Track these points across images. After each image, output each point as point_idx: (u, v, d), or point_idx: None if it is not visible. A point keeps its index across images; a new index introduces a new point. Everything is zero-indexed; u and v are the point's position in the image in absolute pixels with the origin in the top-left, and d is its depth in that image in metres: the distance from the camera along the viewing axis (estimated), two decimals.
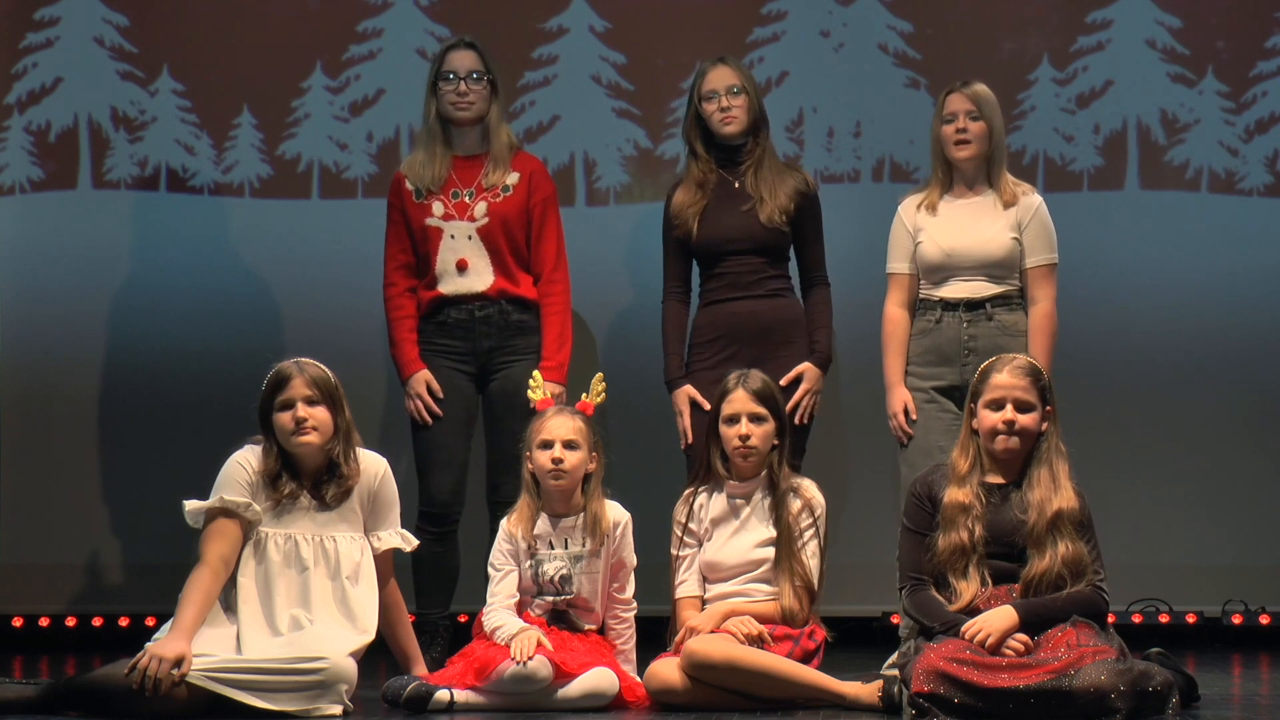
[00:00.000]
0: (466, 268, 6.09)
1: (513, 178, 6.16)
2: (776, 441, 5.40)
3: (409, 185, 6.16)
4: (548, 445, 5.30)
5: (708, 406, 5.92)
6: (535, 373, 5.59)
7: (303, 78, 7.17)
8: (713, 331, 6.05)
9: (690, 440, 5.99)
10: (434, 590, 6.08)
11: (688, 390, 6.03)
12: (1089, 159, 7.13)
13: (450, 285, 6.11)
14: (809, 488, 5.42)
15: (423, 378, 6.08)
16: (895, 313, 5.99)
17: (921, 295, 5.98)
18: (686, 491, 5.48)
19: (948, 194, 6.00)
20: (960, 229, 5.94)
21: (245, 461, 5.14)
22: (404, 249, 6.17)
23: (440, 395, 6.07)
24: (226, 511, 5.08)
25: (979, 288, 5.93)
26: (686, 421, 6.02)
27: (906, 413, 5.90)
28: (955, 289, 5.94)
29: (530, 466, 5.36)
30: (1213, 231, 7.10)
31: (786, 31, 7.15)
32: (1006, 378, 5.08)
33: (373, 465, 5.24)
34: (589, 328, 7.02)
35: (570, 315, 6.16)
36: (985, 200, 5.98)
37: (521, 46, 7.11)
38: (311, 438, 5.11)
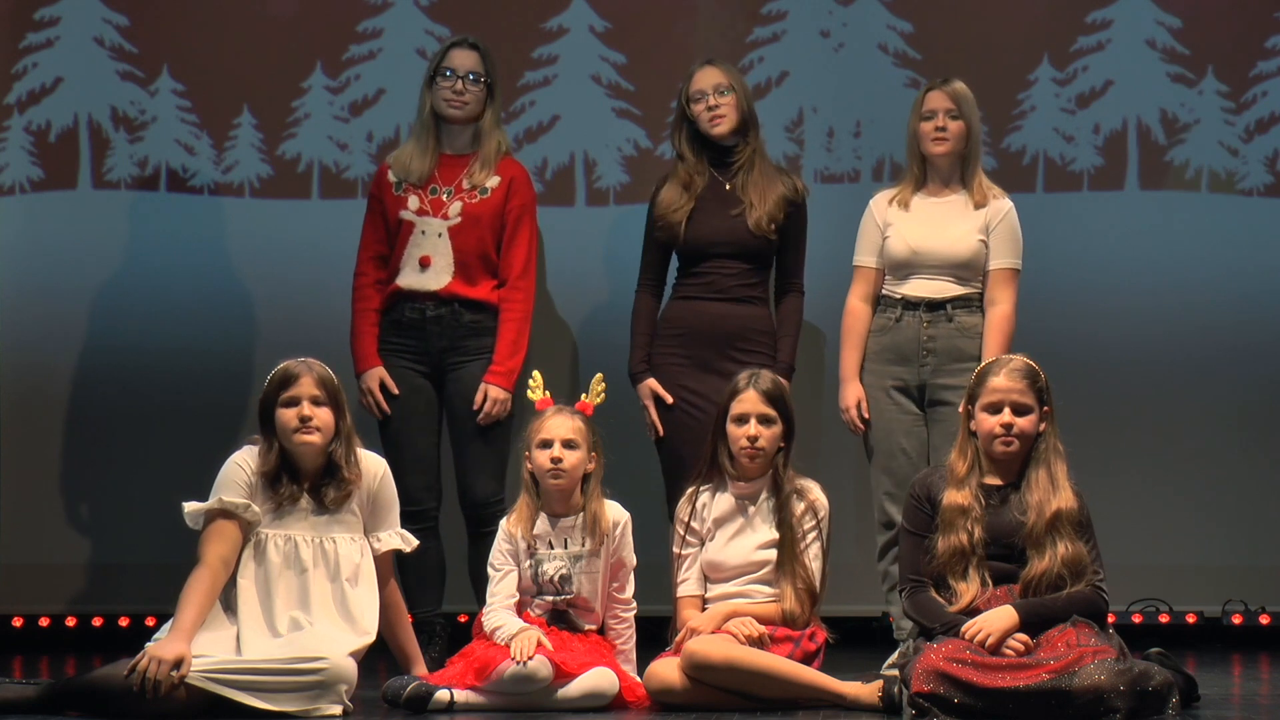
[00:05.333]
0: (429, 265, 6.09)
1: (493, 181, 6.15)
2: (783, 443, 5.39)
3: (391, 177, 6.17)
4: (547, 444, 5.30)
5: (670, 400, 5.96)
6: (535, 372, 5.58)
7: (303, 78, 7.17)
8: (680, 327, 6.08)
9: (661, 433, 6.01)
10: (423, 588, 6.07)
11: (651, 384, 6.07)
12: (1089, 159, 7.13)
13: (408, 280, 6.10)
14: (814, 489, 5.42)
15: (377, 374, 6.08)
16: (857, 306, 6.03)
17: (884, 291, 6.01)
18: (689, 490, 5.48)
19: (920, 191, 6.04)
20: (929, 227, 5.96)
21: (244, 463, 5.14)
22: (379, 239, 6.16)
23: (394, 393, 6.06)
24: (226, 513, 5.08)
25: (942, 288, 5.95)
26: (654, 414, 6.04)
27: (860, 407, 5.93)
28: (918, 287, 5.96)
29: (529, 466, 5.36)
30: (1213, 231, 7.10)
31: (786, 31, 7.15)
32: (1004, 380, 5.08)
33: (372, 466, 5.24)
34: (587, 328, 7.02)
35: (529, 324, 6.13)
36: (957, 200, 6.01)
37: (521, 46, 7.11)
38: (314, 437, 5.11)
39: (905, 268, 5.97)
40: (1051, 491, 5.03)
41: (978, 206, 5.98)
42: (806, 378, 6.21)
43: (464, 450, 6.09)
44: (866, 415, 5.96)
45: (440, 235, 6.10)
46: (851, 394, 5.99)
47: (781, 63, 7.13)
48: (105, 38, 7.18)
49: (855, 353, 6.01)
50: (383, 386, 6.07)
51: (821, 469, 6.09)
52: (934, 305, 5.95)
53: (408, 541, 5.29)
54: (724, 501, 5.42)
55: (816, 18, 7.14)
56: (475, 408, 6.02)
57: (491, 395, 6.01)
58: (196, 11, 7.18)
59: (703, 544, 5.41)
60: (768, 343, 6.09)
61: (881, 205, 6.05)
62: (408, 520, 5.85)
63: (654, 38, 7.15)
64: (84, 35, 7.18)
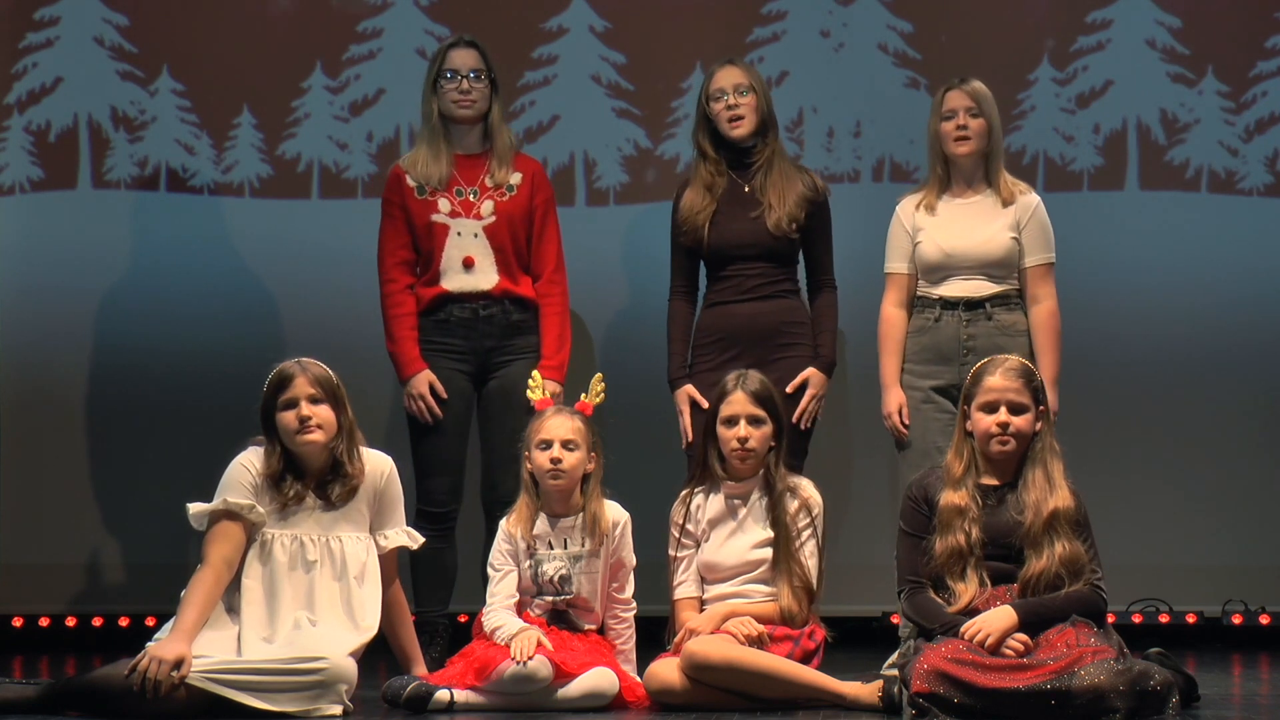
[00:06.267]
0: (473, 265, 6.09)
1: (516, 178, 6.16)
2: (774, 443, 5.39)
3: (410, 181, 6.15)
4: (546, 445, 5.30)
5: (706, 405, 5.93)
6: (535, 372, 5.59)
7: (303, 78, 7.17)
8: (716, 333, 6.05)
9: (691, 439, 5.99)
10: (433, 589, 6.07)
11: (688, 390, 6.04)
12: (1089, 159, 7.13)
13: (455, 282, 6.10)
14: (806, 487, 5.42)
15: (425, 378, 6.07)
16: (892, 313, 6.00)
17: (919, 293, 5.99)
18: (683, 492, 5.48)
19: (946, 193, 6.01)
20: (960, 229, 5.94)
21: (249, 464, 5.14)
22: (404, 245, 6.16)
23: (444, 396, 6.06)
24: (230, 514, 5.08)
25: (979, 287, 5.94)
26: (687, 421, 6.02)
27: (901, 413, 5.91)
28: (954, 288, 5.94)
29: (529, 466, 5.36)
30: (1213, 231, 7.10)
31: (786, 31, 7.15)
32: (999, 380, 5.08)
33: (379, 464, 5.23)
34: (588, 328, 7.02)
35: (569, 316, 6.16)
36: (984, 200, 5.99)
37: (521, 46, 7.11)
38: (316, 436, 5.11)
39: (939, 271, 5.94)
40: (1048, 491, 5.03)
41: (1005, 204, 5.95)
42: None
43: (496, 448, 6.07)
44: (908, 421, 5.92)
45: (476, 235, 6.11)
46: (893, 400, 5.95)
47: (781, 63, 7.13)
48: (105, 38, 7.19)
49: (894, 359, 5.97)
50: (432, 389, 6.07)
51: (830, 468, 6.09)
52: (972, 304, 5.92)
53: (414, 539, 5.29)
54: (717, 503, 5.41)
55: (816, 18, 7.14)
56: (532, 405, 6.03)
57: (548, 390, 6.01)
58: (196, 11, 7.18)
59: (698, 546, 5.41)
60: (806, 334, 6.04)
61: (909, 211, 6.02)
62: (428, 521, 5.87)
63: (654, 38, 7.15)
64: (84, 35, 7.19)
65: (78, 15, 7.18)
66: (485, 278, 6.10)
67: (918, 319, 5.98)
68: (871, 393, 6.07)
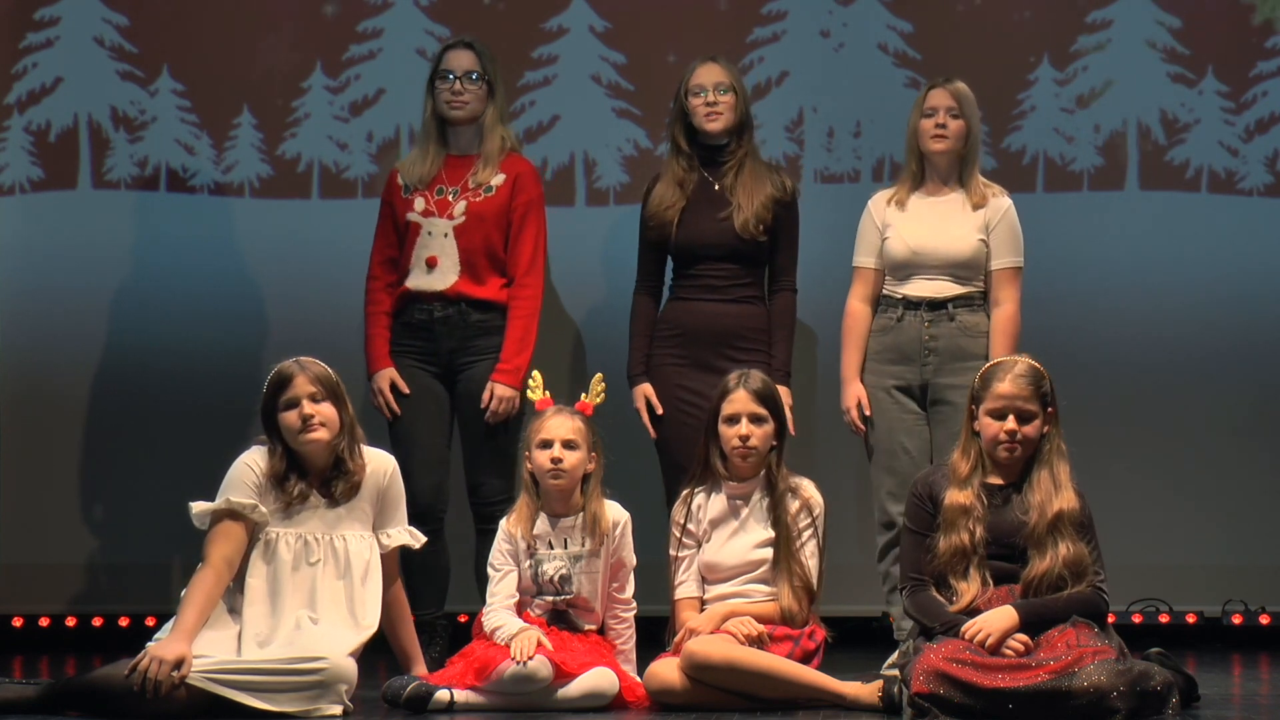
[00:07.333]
0: (435, 265, 6.10)
1: (498, 179, 6.16)
2: (775, 442, 5.39)
3: (400, 180, 6.18)
4: (547, 445, 5.30)
5: (660, 410, 5.98)
6: (535, 373, 5.59)
7: (303, 78, 7.17)
8: (677, 328, 6.10)
9: (654, 435, 6.05)
10: (426, 590, 6.07)
11: (644, 389, 6.09)
12: (1089, 159, 7.13)
13: (416, 281, 6.11)
14: (807, 487, 5.42)
15: (387, 375, 6.09)
16: (856, 307, 6.03)
17: (885, 292, 6.01)
18: (684, 492, 5.47)
19: (919, 190, 6.03)
20: (928, 227, 5.96)
21: (253, 463, 5.13)
22: (390, 243, 6.18)
23: (405, 393, 6.07)
24: (232, 513, 5.08)
25: (942, 287, 5.95)
26: (646, 417, 6.08)
27: (860, 407, 5.93)
28: (919, 287, 5.96)
29: (529, 466, 5.36)
30: (1213, 231, 7.10)
31: (786, 31, 7.15)
32: (1009, 387, 5.07)
33: (382, 463, 5.24)
34: (587, 328, 7.03)
35: (536, 321, 6.12)
36: (955, 199, 6.00)
37: (521, 46, 7.11)
38: (320, 434, 5.11)
39: (905, 268, 5.97)
40: (1054, 492, 5.03)
41: (976, 207, 5.98)
42: (802, 378, 6.19)
43: (473, 450, 6.09)
44: (868, 414, 5.95)
45: (446, 235, 6.11)
46: (852, 395, 5.99)
47: (781, 63, 7.13)
48: (105, 38, 7.18)
49: (856, 354, 6.01)
50: (393, 386, 6.08)
51: (818, 470, 6.10)
52: (935, 305, 5.95)
53: (416, 538, 5.29)
54: (718, 502, 5.41)
55: (816, 18, 7.14)
56: (483, 406, 6.02)
57: (498, 394, 6.02)
58: (196, 11, 7.18)
59: (699, 546, 5.41)
60: (764, 341, 6.08)
61: (880, 206, 6.06)
62: (414, 521, 5.85)
63: (654, 38, 7.15)
64: (84, 35, 7.18)
65: (78, 15, 7.18)
66: (443, 279, 6.10)
67: (881, 318, 6.00)
68: None
